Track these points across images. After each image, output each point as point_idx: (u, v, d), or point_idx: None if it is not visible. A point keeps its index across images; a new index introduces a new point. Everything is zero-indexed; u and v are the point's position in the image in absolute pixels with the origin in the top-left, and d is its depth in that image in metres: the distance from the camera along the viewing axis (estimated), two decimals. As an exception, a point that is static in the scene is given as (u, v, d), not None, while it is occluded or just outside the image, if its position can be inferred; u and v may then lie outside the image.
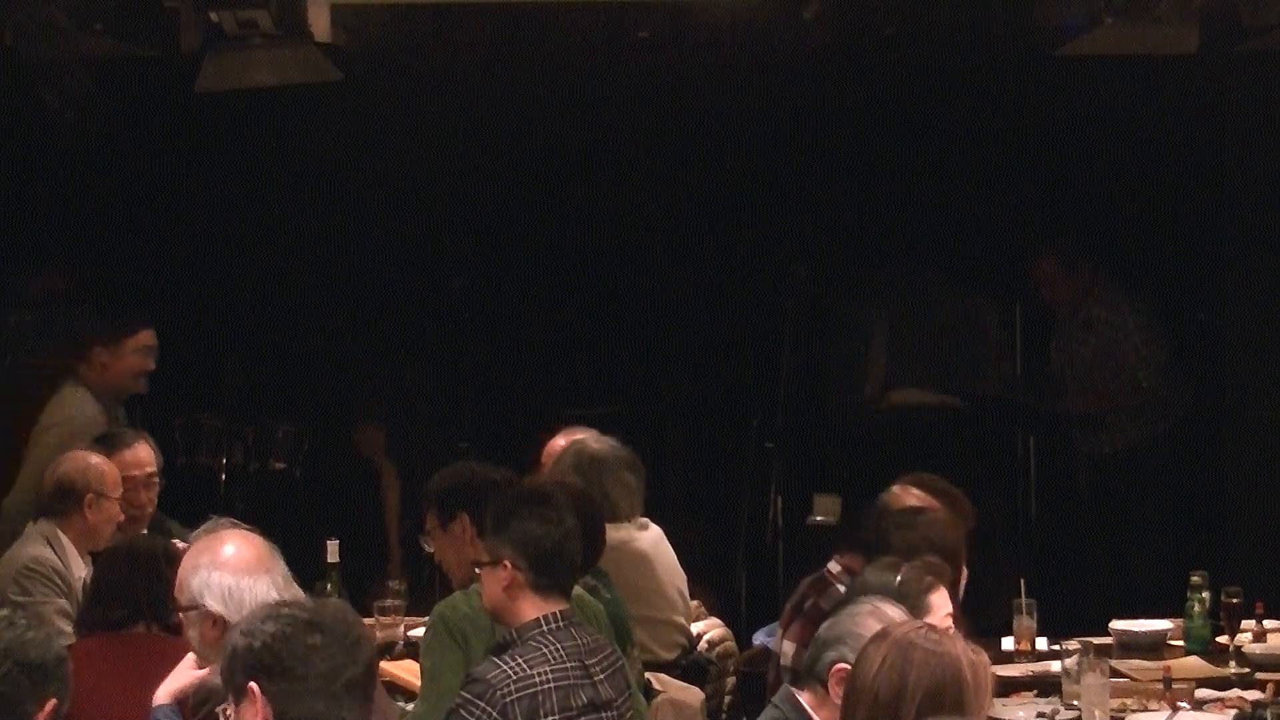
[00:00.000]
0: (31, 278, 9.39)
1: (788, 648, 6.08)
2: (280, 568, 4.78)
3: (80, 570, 6.85)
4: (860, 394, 9.77)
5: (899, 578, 5.05)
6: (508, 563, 5.26)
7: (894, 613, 4.58)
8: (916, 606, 4.89)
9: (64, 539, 6.89)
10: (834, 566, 6.22)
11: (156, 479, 7.33)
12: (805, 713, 4.58)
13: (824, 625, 4.65)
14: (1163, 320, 9.31)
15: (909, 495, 6.30)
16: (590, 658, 5.27)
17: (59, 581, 6.80)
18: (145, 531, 7.16)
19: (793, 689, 4.66)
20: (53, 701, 4.02)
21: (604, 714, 5.27)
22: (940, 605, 5.03)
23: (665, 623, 6.88)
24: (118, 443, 7.32)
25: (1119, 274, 9.32)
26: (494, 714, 5.06)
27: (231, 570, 4.70)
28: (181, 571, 4.78)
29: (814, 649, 4.61)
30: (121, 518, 7.01)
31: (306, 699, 3.82)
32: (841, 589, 5.97)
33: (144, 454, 7.30)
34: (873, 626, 4.44)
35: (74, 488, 6.93)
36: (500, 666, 5.13)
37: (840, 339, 9.80)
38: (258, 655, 3.85)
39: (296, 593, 4.86)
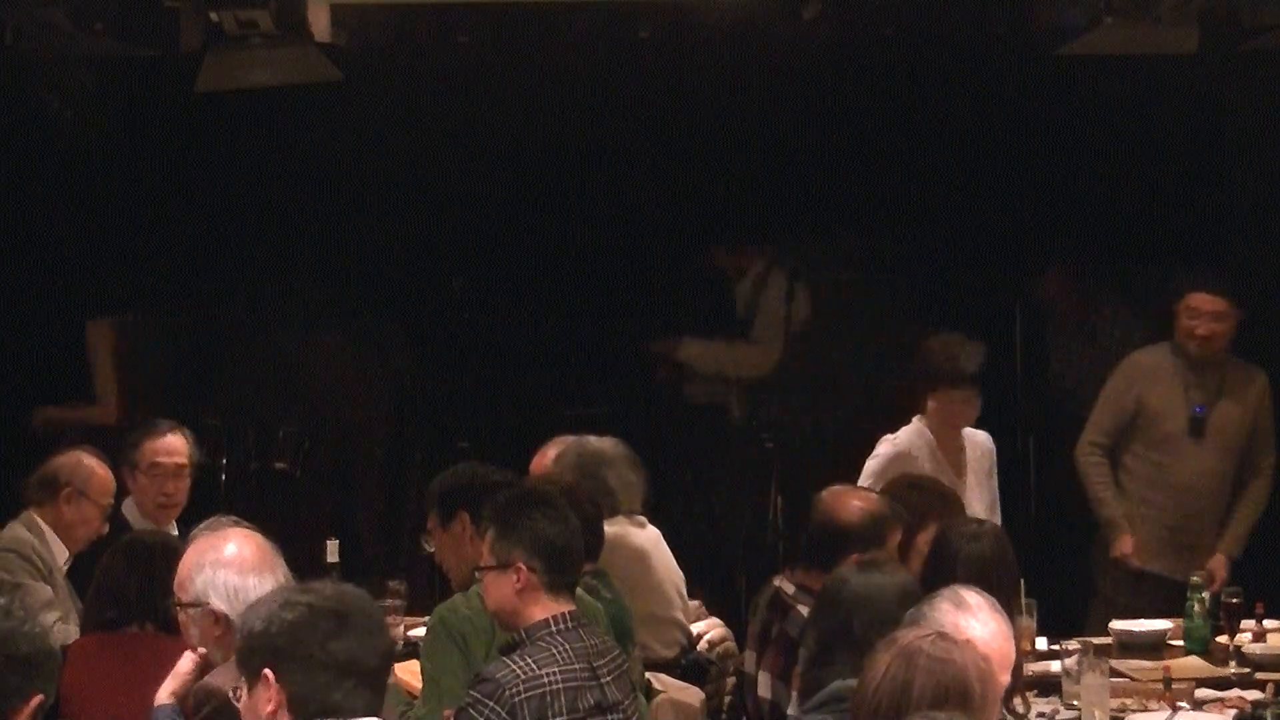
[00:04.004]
0: None
1: (764, 678, 6.06)
2: (282, 566, 4.78)
3: (61, 557, 6.90)
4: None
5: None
6: (521, 565, 5.26)
7: (972, 597, 4.54)
8: None
9: (43, 525, 6.94)
10: (787, 586, 6.16)
11: (187, 470, 7.34)
12: None
13: (909, 612, 4.61)
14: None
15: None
16: (598, 659, 5.28)
17: (38, 562, 6.84)
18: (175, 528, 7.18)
19: None
20: (39, 697, 4.01)
21: (610, 716, 5.27)
22: None
23: (664, 620, 6.87)
24: (150, 432, 7.34)
25: (1123, 284, 9.33)
26: (503, 713, 5.06)
27: (236, 569, 4.69)
28: (183, 568, 4.77)
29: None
30: (103, 527, 7.03)
31: (321, 687, 3.78)
32: (802, 609, 5.94)
33: (175, 443, 7.33)
34: (944, 608, 4.45)
35: (56, 479, 6.98)
36: (510, 666, 5.14)
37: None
38: (275, 641, 3.81)
39: None
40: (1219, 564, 7.97)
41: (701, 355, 9.69)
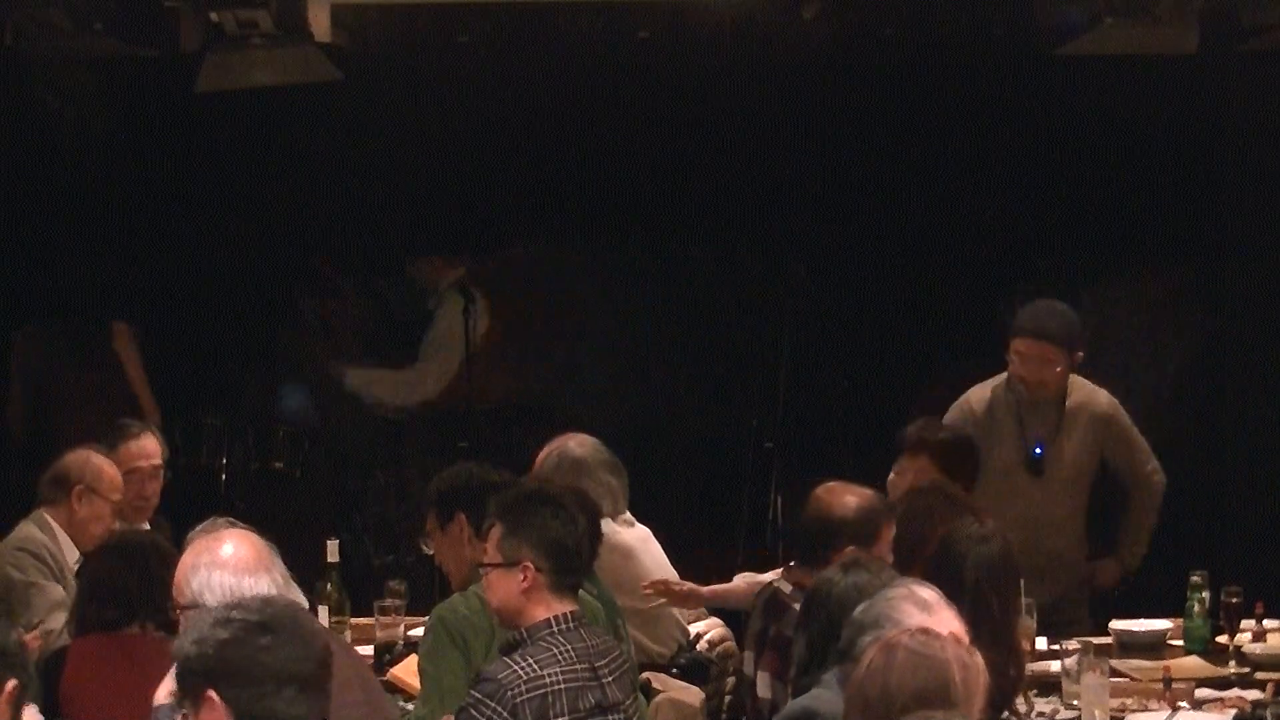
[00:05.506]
0: None
1: (762, 679, 6.05)
2: (279, 566, 4.78)
3: (73, 556, 6.90)
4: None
5: None
6: (529, 564, 5.25)
7: (928, 595, 4.56)
8: None
9: (54, 525, 6.94)
10: (785, 586, 6.15)
11: (162, 471, 7.35)
12: None
13: (859, 608, 4.62)
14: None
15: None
16: (599, 660, 5.27)
17: (50, 561, 6.84)
18: (148, 525, 7.19)
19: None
20: (13, 682, 4.04)
21: (611, 716, 5.27)
22: None
23: (656, 616, 6.87)
24: (124, 434, 7.34)
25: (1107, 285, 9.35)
26: (504, 713, 5.06)
27: (232, 569, 4.70)
28: (181, 570, 4.78)
29: (850, 632, 4.60)
30: (114, 524, 7.03)
31: (264, 700, 3.81)
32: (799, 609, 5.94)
33: (150, 446, 7.33)
34: (908, 610, 4.46)
35: (67, 477, 6.97)
36: (511, 666, 5.13)
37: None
38: (212, 662, 3.83)
39: (295, 592, 4.86)
40: (1106, 569, 7.69)
41: (366, 383, 9.66)
